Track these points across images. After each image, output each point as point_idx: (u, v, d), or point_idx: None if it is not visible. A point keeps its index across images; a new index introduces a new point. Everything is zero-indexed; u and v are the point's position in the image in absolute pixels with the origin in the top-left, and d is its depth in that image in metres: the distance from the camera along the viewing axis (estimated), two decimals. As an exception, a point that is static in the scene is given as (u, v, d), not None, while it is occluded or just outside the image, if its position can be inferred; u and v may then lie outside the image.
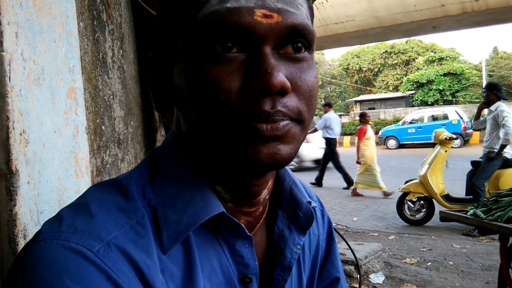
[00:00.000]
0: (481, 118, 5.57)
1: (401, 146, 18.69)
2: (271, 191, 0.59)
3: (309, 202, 0.61)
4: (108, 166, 1.42)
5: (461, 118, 17.43)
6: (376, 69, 40.37)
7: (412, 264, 4.05)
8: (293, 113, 0.46)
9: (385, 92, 37.05)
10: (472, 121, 5.87)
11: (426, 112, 19.87)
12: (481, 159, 5.35)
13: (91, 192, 0.50)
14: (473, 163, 5.54)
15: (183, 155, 0.53)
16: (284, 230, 0.60)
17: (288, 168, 0.63)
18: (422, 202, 5.66)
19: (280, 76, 0.43)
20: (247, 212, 0.55)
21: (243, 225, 0.51)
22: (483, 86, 5.47)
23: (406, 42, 38.60)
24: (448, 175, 6.73)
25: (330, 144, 8.50)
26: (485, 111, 5.45)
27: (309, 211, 0.60)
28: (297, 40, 0.47)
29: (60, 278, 0.39)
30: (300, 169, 11.83)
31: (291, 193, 0.61)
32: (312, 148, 10.91)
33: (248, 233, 0.52)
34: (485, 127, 5.38)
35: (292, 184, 0.62)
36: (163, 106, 0.54)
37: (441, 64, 35.04)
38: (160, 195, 0.50)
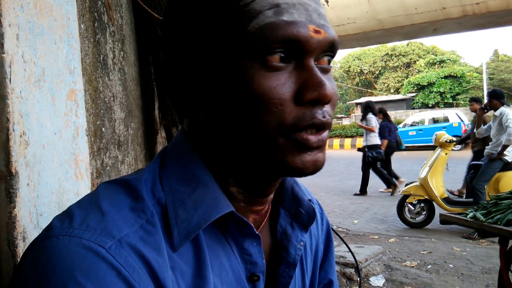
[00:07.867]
0: (483, 126, 5.59)
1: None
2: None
3: (310, 200, 0.62)
4: (108, 168, 1.42)
5: (462, 120, 17.41)
6: (377, 72, 40.35)
7: (413, 267, 4.05)
8: (330, 121, 0.50)
9: (386, 95, 37.00)
10: (475, 130, 5.89)
11: (427, 115, 19.87)
12: (481, 162, 5.36)
13: (101, 190, 0.50)
14: (473, 166, 5.55)
15: (194, 154, 0.53)
16: (286, 227, 0.61)
17: None
18: (422, 204, 5.65)
19: (330, 87, 0.47)
20: (256, 211, 0.56)
21: (252, 225, 0.52)
22: (486, 92, 5.57)
23: (407, 45, 38.55)
24: (448, 178, 6.72)
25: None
26: (485, 116, 5.50)
27: (310, 208, 0.61)
28: (329, 54, 0.51)
29: (71, 274, 0.40)
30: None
31: (293, 192, 0.62)
32: None
33: (257, 232, 0.53)
34: (489, 135, 5.42)
35: (293, 183, 0.63)
36: (180, 106, 0.54)
37: (442, 67, 34.99)
38: (170, 194, 0.50)
